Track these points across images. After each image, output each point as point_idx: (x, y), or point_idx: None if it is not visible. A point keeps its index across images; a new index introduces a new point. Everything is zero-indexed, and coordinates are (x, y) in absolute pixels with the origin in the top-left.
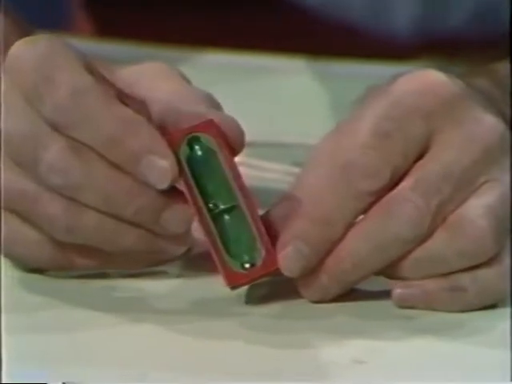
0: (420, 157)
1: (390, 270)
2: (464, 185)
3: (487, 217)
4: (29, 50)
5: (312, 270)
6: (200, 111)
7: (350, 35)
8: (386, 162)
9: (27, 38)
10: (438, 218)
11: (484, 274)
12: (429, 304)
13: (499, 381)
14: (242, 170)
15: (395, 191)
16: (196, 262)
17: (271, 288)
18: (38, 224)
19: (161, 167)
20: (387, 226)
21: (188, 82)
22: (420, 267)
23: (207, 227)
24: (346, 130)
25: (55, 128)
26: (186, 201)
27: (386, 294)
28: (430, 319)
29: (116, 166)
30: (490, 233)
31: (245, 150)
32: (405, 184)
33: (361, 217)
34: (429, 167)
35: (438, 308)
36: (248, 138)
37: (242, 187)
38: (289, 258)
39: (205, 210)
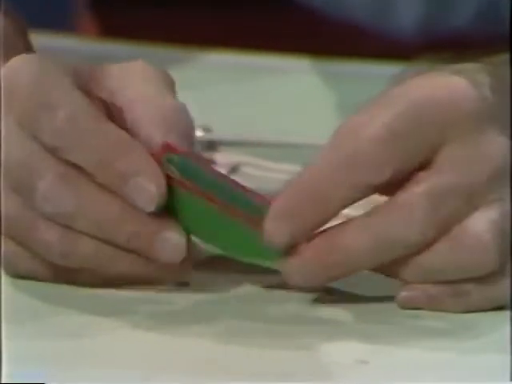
0: (423, 165)
1: (390, 270)
2: (472, 200)
3: (491, 231)
4: (20, 75)
5: (302, 255)
6: (153, 138)
7: (354, 35)
8: (392, 160)
9: (16, 62)
10: (441, 229)
11: (488, 279)
12: (433, 307)
13: (499, 381)
14: (248, 170)
15: (408, 194)
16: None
17: (273, 290)
18: (35, 250)
19: (147, 190)
20: (392, 226)
21: (170, 84)
22: (420, 273)
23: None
24: (361, 120)
25: (52, 152)
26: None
27: (389, 296)
28: (434, 321)
29: (108, 191)
30: (493, 247)
31: (251, 151)
32: (418, 189)
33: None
34: (442, 177)
35: (442, 310)
36: (254, 138)
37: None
38: (277, 230)
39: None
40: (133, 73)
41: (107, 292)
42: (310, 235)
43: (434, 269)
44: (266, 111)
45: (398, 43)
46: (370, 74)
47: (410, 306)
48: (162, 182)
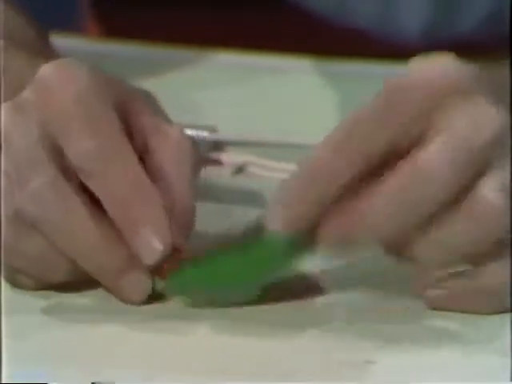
0: (419, 139)
1: (403, 248)
2: (479, 162)
3: (502, 197)
4: (63, 76)
5: (334, 220)
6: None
7: (357, 38)
8: (386, 128)
9: (63, 62)
10: (458, 189)
11: None
12: (462, 308)
13: (499, 381)
14: (253, 170)
15: (425, 152)
16: None
17: (282, 289)
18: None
19: (154, 245)
20: (418, 184)
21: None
22: (435, 248)
23: None
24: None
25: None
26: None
27: (397, 295)
28: (438, 321)
29: (97, 217)
30: (504, 212)
31: (256, 151)
32: (430, 147)
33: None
34: (450, 135)
35: (469, 311)
36: (259, 138)
37: None
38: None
39: None
40: (173, 137)
41: (107, 292)
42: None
43: (449, 240)
44: (270, 111)
45: (401, 47)
46: (374, 75)
47: (437, 305)
48: (169, 240)
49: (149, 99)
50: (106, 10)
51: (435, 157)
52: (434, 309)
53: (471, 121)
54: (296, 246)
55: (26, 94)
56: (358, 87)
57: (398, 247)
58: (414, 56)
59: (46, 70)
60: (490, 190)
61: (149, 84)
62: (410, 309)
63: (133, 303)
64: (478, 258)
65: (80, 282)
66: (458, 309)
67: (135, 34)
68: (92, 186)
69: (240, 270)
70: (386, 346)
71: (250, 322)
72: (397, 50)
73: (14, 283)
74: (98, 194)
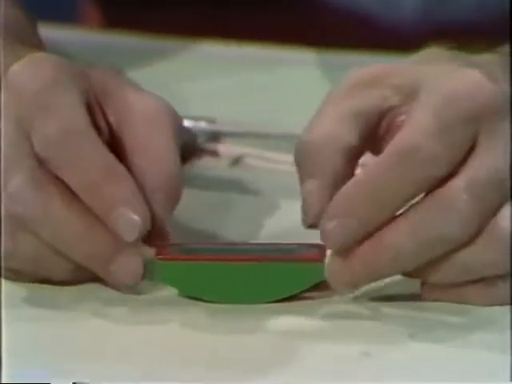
0: (465, 158)
1: (415, 273)
2: (505, 192)
3: None
4: (31, 73)
5: (346, 257)
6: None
7: (354, 24)
8: (447, 151)
9: (31, 59)
10: (482, 223)
11: None
12: (459, 299)
13: (499, 381)
14: (251, 161)
15: (447, 188)
16: None
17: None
18: None
19: (132, 220)
20: (436, 223)
21: (177, 129)
22: (445, 273)
23: None
24: (376, 83)
25: (43, 161)
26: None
27: (394, 287)
28: (436, 314)
29: (76, 206)
30: None
31: (254, 142)
32: (458, 183)
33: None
34: (480, 171)
35: (469, 303)
36: (257, 129)
37: None
38: (334, 230)
39: None
40: (145, 111)
41: (107, 290)
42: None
43: (464, 267)
44: (275, 103)
45: (398, 32)
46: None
47: (435, 297)
48: (147, 214)
49: (121, 76)
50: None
51: (457, 194)
52: (432, 300)
53: (503, 146)
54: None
55: (1, 94)
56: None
57: (416, 274)
58: (414, 42)
59: (15, 69)
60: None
61: (141, 74)
62: (407, 301)
63: (127, 288)
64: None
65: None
66: (454, 299)
67: (141, 26)
68: (61, 174)
69: (250, 287)
70: (382, 339)
71: (245, 314)
72: (394, 35)
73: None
74: (68, 181)
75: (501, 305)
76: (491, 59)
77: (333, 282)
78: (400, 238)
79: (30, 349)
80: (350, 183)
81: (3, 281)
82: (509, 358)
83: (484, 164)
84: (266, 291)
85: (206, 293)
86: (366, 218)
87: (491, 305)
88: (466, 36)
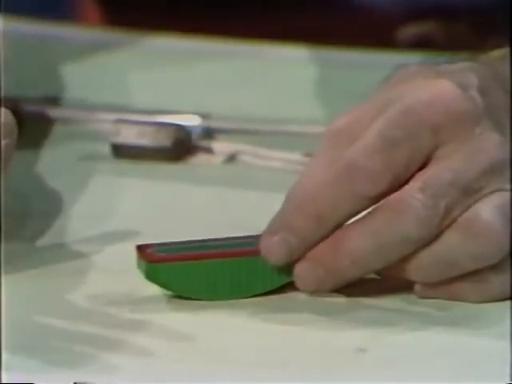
0: (422, 168)
1: (395, 272)
2: (471, 192)
3: (500, 217)
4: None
5: (310, 262)
6: None
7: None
8: (389, 169)
9: None
10: (444, 221)
11: (507, 265)
12: (452, 296)
13: (499, 380)
14: (245, 158)
15: (403, 191)
16: None
17: None
18: None
19: None
20: (393, 225)
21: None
22: (429, 271)
23: None
24: (355, 128)
25: None
26: None
27: (391, 284)
28: (433, 309)
29: None
30: (504, 233)
31: (251, 139)
32: (413, 184)
33: (364, 212)
34: (436, 172)
35: (462, 299)
36: (252, 126)
37: None
38: (274, 246)
39: None
40: None
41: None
42: (309, 250)
43: (444, 263)
44: (268, 100)
45: (381, 13)
46: (372, 64)
47: (428, 294)
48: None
49: None
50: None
51: (411, 196)
52: (425, 298)
53: (464, 152)
54: None
55: None
56: (350, 75)
57: (394, 273)
58: (395, 24)
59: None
60: (486, 211)
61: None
62: (403, 296)
63: None
64: None
65: None
66: (448, 297)
67: (142, 23)
68: None
69: (240, 281)
70: (378, 334)
71: (243, 310)
72: (377, 16)
73: None
74: None
75: (496, 300)
76: (466, 66)
77: (300, 286)
78: (358, 241)
79: (30, 350)
80: (291, 199)
81: (3, 280)
82: (509, 357)
83: (442, 167)
84: (252, 285)
85: (192, 291)
86: (306, 235)
87: (485, 301)
88: (448, 16)
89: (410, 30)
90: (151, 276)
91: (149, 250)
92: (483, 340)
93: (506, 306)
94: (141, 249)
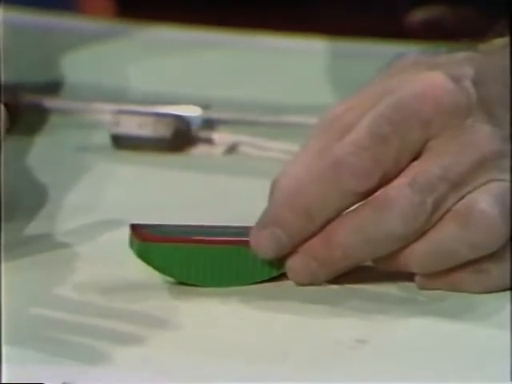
0: (414, 159)
1: (394, 264)
2: (461, 185)
3: (497, 206)
4: None
5: (302, 256)
6: None
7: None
8: (377, 165)
9: None
10: (433, 217)
11: (507, 255)
12: (452, 287)
13: (499, 380)
14: (246, 149)
15: (391, 186)
16: None
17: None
18: None
19: None
20: (380, 221)
21: None
22: (427, 261)
23: None
24: (344, 122)
25: None
26: None
27: (390, 275)
28: (433, 300)
29: None
30: (501, 221)
31: (249, 129)
32: (401, 180)
33: (355, 206)
34: (425, 167)
35: (462, 290)
36: (252, 117)
37: None
38: (263, 241)
39: None
40: None
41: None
42: (298, 245)
43: (442, 253)
44: (266, 90)
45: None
46: (373, 55)
47: (429, 286)
48: None
49: None
50: None
51: (399, 191)
52: (426, 289)
53: (455, 145)
54: None
55: None
56: (353, 66)
57: (391, 265)
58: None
59: None
60: (483, 200)
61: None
62: (403, 285)
63: None
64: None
65: None
66: (448, 288)
67: (152, 15)
68: None
69: (230, 270)
70: (378, 325)
71: (241, 302)
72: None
73: None
74: None
75: (496, 290)
76: (464, 57)
77: (293, 278)
78: (347, 235)
79: (30, 349)
80: (280, 190)
81: (3, 280)
82: (509, 347)
83: (431, 161)
84: (243, 275)
85: (182, 275)
86: (295, 230)
87: (485, 291)
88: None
89: (419, 15)
90: (142, 255)
91: (143, 230)
92: (483, 330)
93: (507, 296)
94: (135, 228)
